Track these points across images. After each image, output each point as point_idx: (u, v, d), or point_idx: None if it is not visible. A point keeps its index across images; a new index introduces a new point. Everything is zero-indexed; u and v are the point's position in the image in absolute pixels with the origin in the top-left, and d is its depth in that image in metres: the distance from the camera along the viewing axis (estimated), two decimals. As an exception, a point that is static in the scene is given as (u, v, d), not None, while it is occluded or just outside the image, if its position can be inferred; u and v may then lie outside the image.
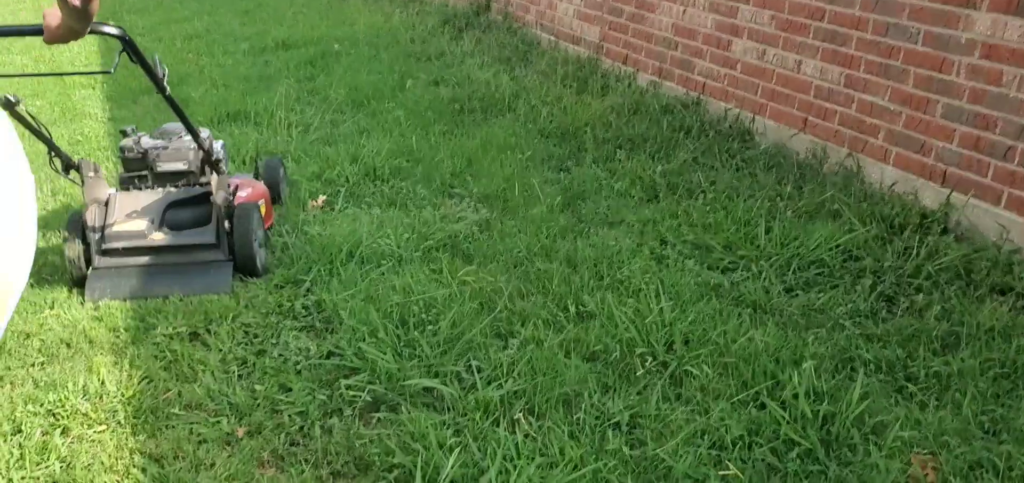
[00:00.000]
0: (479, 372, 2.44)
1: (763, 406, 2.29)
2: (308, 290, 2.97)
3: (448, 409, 2.32)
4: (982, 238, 3.28)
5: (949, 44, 3.44)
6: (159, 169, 3.24)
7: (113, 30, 2.26)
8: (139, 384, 2.50)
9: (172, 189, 3.23)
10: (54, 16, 1.65)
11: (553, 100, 5.09)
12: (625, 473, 2.06)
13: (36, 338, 2.74)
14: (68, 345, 2.71)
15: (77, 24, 1.56)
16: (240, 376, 2.53)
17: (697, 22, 4.93)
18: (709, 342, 2.55)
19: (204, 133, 3.18)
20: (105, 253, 3.04)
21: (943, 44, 3.46)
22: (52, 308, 2.92)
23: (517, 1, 7.12)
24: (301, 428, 2.29)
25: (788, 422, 2.20)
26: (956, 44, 3.41)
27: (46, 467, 2.18)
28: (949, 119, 3.47)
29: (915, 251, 3.17)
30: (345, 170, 4.00)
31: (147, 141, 3.29)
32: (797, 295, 2.93)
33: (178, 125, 3.27)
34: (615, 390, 2.36)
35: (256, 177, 3.64)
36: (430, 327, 2.67)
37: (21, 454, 2.20)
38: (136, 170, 3.26)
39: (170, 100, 2.81)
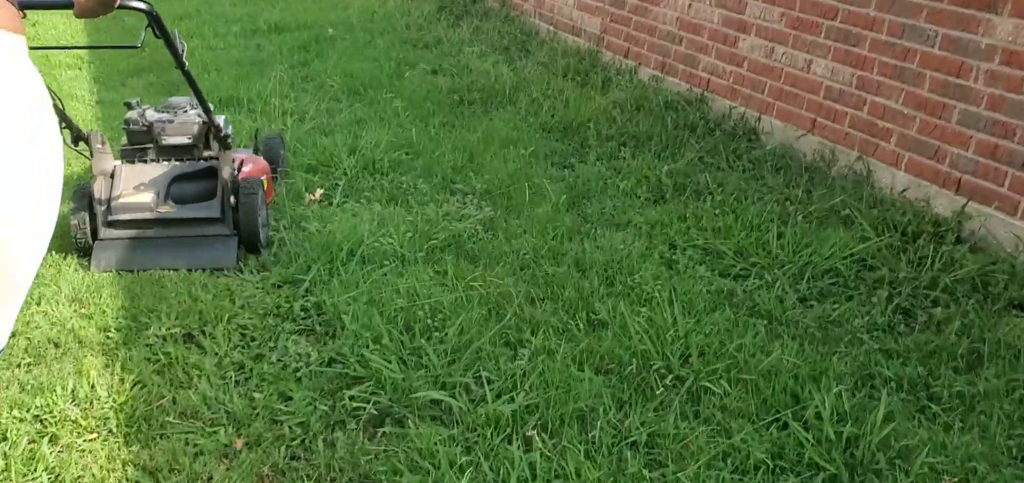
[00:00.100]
0: (489, 384, 2.34)
1: (785, 426, 2.20)
2: (307, 291, 2.86)
3: (457, 423, 2.22)
4: (997, 248, 3.21)
5: (968, 48, 3.35)
6: (164, 142, 3.25)
7: (140, 4, 2.32)
8: (131, 389, 2.38)
9: (177, 163, 3.24)
10: None
11: (554, 93, 4.99)
12: (644, 497, 1.98)
13: (22, 337, 2.61)
14: (56, 345, 2.59)
15: None
16: (238, 382, 2.42)
17: (703, 17, 4.83)
18: (726, 356, 2.46)
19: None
20: (111, 224, 3.07)
21: (962, 48, 3.38)
22: (39, 304, 2.79)
23: (515, -11, 7.00)
24: (302, 441, 2.19)
25: (812, 445, 2.12)
26: (975, 49, 3.33)
27: (34, 478, 2.06)
28: (966, 125, 3.39)
29: (930, 261, 3.09)
30: (343, 162, 3.88)
31: (152, 114, 3.30)
32: (812, 306, 2.85)
33: (183, 99, 3.38)
34: (631, 406, 2.27)
35: (256, 153, 3.64)
36: (437, 334, 2.56)
37: (6, 464, 2.09)
38: (141, 143, 3.27)
39: (188, 75, 2.88)
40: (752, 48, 4.48)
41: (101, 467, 2.10)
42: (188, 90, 3.04)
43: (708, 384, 2.34)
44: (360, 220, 3.31)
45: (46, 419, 2.25)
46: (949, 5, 3.42)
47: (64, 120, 2.98)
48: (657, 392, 2.30)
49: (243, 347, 2.59)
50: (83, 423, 2.24)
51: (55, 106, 2.76)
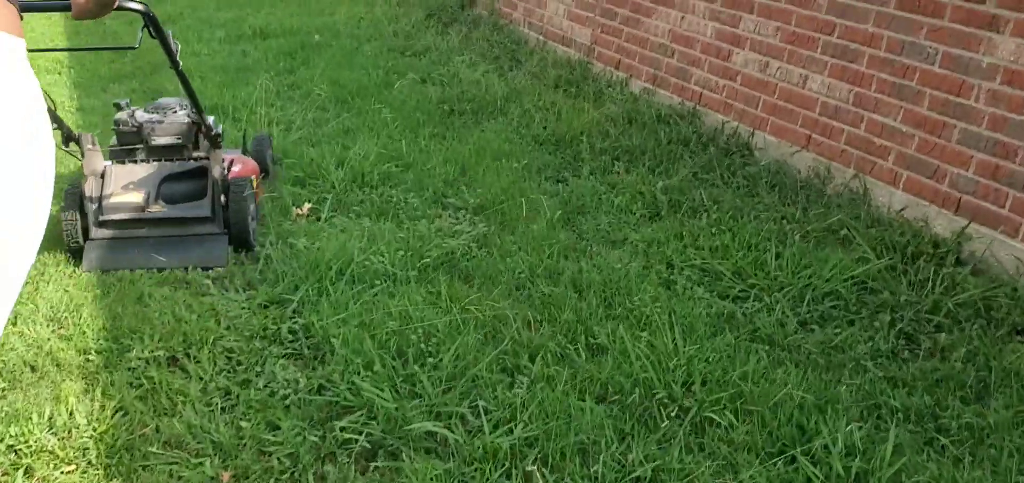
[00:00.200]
0: (486, 414, 2.26)
1: (792, 460, 2.14)
2: (295, 312, 2.77)
3: (453, 456, 2.14)
4: (999, 271, 3.16)
5: (969, 67, 3.31)
6: (154, 143, 3.27)
7: (138, 5, 2.36)
8: (112, 417, 2.28)
9: (167, 163, 3.26)
10: None
11: (546, 105, 4.91)
12: (649, 536, 1.90)
13: (-4, 359, 2.51)
14: (33, 368, 2.48)
15: None
16: (223, 409, 2.33)
17: (696, 29, 4.77)
18: (729, 384, 2.39)
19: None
20: (102, 224, 3.08)
21: (962, 67, 3.33)
22: (15, 324, 2.68)
23: (504, -3, 6.93)
24: (292, 474, 2.10)
25: (821, 482, 2.05)
26: (976, 68, 3.28)
27: (7, 515, 1.96)
28: (966, 145, 3.34)
29: (931, 284, 3.04)
30: (331, 175, 3.79)
31: (141, 115, 3.32)
32: (813, 330, 2.79)
33: (172, 100, 3.43)
34: (634, 438, 2.19)
35: (244, 153, 3.66)
36: (431, 360, 2.48)
37: (-21, 499, 1.99)
38: (130, 143, 3.28)
39: (181, 75, 2.93)
40: (746, 62, 4.43)
41: (79, 502, 2.00)
42: (172, 93, 3.02)
43: (712, 414, 2.27)
44: (350, 236, 3.21)
45: (21, 449, 2.15)
46: (950, 23, 3.38)
47: (56, 121, 3.00)
48: (662, 425, 2.22)
49: (229, 371, 2.49)
50: (61, 454, 2.14)
51: (47, 107, 2.73)
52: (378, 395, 2.29)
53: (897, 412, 2.37)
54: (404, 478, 2.05)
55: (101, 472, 2.09)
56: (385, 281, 2.93)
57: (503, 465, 2.09)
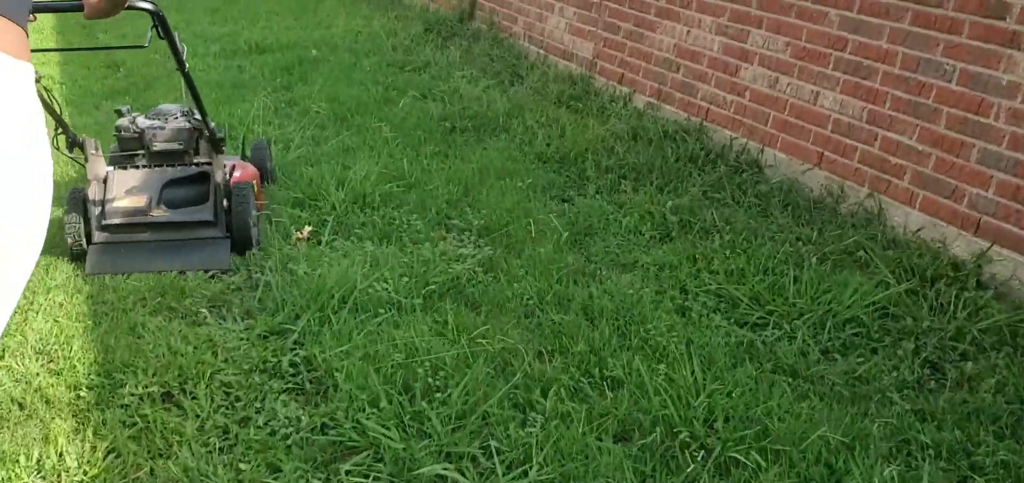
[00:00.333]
0: (499, 455, 2.14)
1: (823, 504, 2.03)
2: (296, 343, 2.65)
3: (465, 500, 2.03)
4: (1020, 294, 3.07)
5: (988, 85, 3.22)
6: (155, 148, 3.28)
7: (147, 5, 2.39)
8: (104, 459, 2.16)
9: (169, 168, 3.29)
10: None
11: (549, 121, 4.81)
12: None
13: (-17, 397, 2.39)
14: (21, 406, 2.36)
15: None
16: (222, 450, 2.21)
17: (702, 44, 4.68)
18: (753, 420, 2.29)
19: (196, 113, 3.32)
20: (105, 229, 3.11)
21: (981, 84, 3.24)
22: (2, 358, 2.56)
23: (503, 11, 6.82)
24: (295, 522, 1.98)
25: (855, 527, 1.94)
26: (996, 85, 3.19)
27: (-8, 569, 1.84)
28: (985, 164, 3.25)
29: (952, 308, 2.94)
30: (331, 196, 3.67)
31: (143, 121, 3.34)
32: (836, 360, 2.68)
33: (172, 106, 3.47)
34: (656, 481, 2.08)
35: (244, 158, 3.68)
36: (439, 395, 2.36)
37: (-38, 552, 1.87)
38: (131, 149, 3.31)
39: (187, 77, 2.95)
40: (755, 78, 4.34)
41: (69, 555, 1.88)
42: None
43: (737, 454, 2.16)
44: (352, 262, 3.10)
45: (8, 496, 2.03)
46: (968, 40, 3.29)
47: (61, 125, 3.06)
48: (688, 469, 2.11)
49: (227, 408, 2.37)
50: (49, 501, 2.02)
51: (53, 111, 2.91)
52: (385, 435, 2.18)
53: (928, 448, 2.26)
54: (414, 526, 1.94)
55: (92, 520, 1.98)
56: (389, 309, 2.81)
57: (518, 511, 1.98)
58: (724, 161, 4.28)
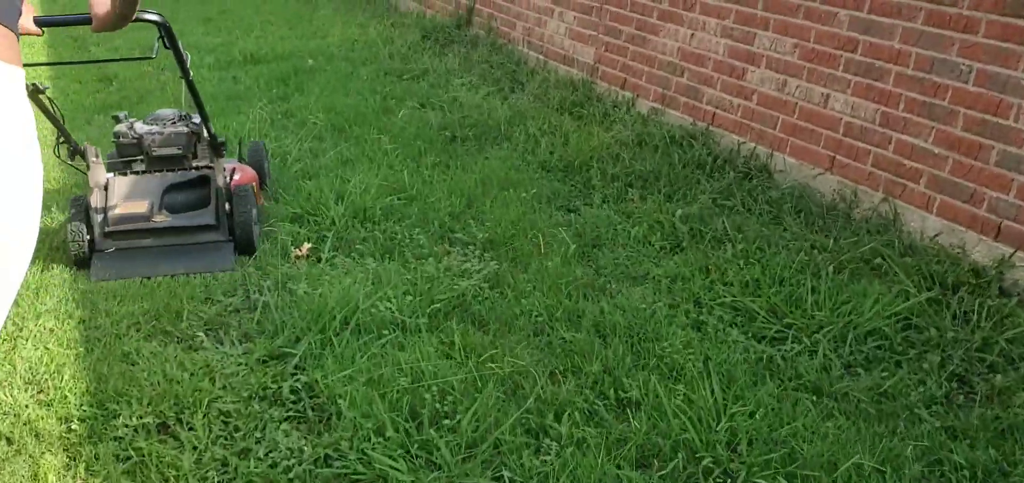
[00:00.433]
0: (513, 486, 2.04)
1: (857, 533, 1.92)
2: (297, 367, 2.54)
3: (478, 536, 1.92)
4: (1046, 301, 2.97)
5: (1007, 85, 3.12)
6: (155, 154, 3.29)
7: (154, 17, 2.42)
8: (96, 497, 2.05)
9: (169, 173, 3.31)
10: (102, 5, 1.64)
11: (552, 128, 4.71)
12: None
13: (-31, 431, 2.27)
14: (9, 441, 2.25)
15: (127, 10, 1.58)
16: (220, 485, 2.10)
17: (707, 47, 4.58)
18: (778, 442, 2.18)
19: (193, 118, 3.37)
20: (109, 235, 3.13)
21: (1000, 84, 3.14)
22: (-10, 389, 2.45)
23: (502, 16, 6.72)
24: (299, 563, 1.87)
25: (893, 558, 1.84)
26: (1015, 85, 3.09)
27: None
28: (1005, 167, 3.15)
29: (976, 317, 2.84)
30: (330, 210, 3.56)
31: (141, 127, 3.35)
32: (859, 375, 2.58)
33: (170, 111, 3.45)
34: (678, 511, 1.98)
35: (241, 161, 3.69)
36: (447, 422, 2.25)
37: None
38: (130, 155, 3.33)
39: (191, 85, 2.99)
40: (762, 81, 4.24)
41: None
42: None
43: (763, 480, 2.05)
44: (353, 280, 2.99)
45: (-6, 540, 1.92)
46: (984, 38, 3.19)
47: (62, 134, 3.10)
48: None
49: (226, 438, 2.27)
50: (39, 545, 1.91)
51: (55, 119, 2.97)
52: (392, 466, 2.07)
53: (962, 469, 2.16)
54: (426, 566, 1.83)
55: (84, 565, 1.87)
56: (393, 330, 2.71)
57: (536, 547, 1.87)
58: (732, 166, 4.17)
